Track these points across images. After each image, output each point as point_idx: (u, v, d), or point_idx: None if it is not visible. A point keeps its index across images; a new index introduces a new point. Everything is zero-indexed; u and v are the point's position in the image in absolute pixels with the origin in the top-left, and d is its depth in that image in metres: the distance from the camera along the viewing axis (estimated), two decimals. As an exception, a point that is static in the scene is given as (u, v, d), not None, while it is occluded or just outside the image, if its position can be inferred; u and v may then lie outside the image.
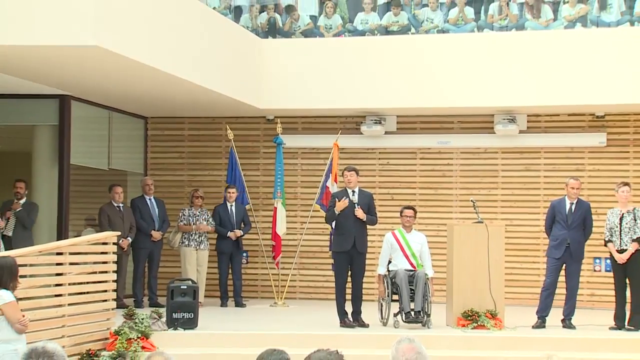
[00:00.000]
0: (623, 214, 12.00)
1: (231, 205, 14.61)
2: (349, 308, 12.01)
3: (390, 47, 15.29)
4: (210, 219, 14.66)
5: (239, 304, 14.55)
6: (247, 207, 15.03)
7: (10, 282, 8.72)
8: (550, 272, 12.28)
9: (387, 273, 12.19)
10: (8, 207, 12.63)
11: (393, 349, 4.51)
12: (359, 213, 11.81)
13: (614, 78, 14.27)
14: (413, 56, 15.06)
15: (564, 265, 12.19)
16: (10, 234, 12.52)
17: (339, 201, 11.95)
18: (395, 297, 12.05)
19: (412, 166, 16.16)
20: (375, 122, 15.74)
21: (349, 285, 12.14)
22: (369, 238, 12.65)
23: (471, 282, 11.87)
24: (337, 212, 11.86)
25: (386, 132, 15.99)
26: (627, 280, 12.02)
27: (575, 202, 12.20)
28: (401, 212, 12.46)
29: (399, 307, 11.94)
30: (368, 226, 12.19)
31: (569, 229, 12.09)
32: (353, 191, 12.04)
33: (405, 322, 11.81)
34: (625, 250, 11.88)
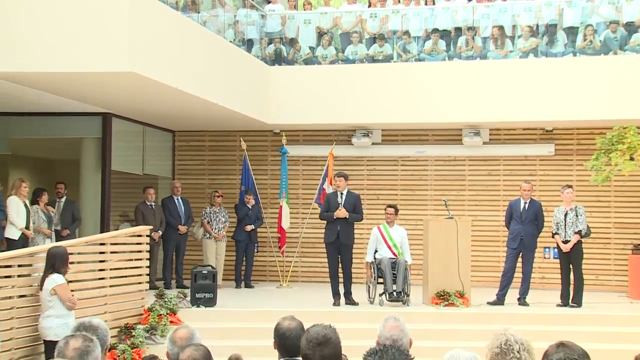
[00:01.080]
0: (567, 211, 12.18)
1: (248, 204, 14.71)
2: (342, 290, 12.06)
3: (376, 72, 15.29)
4: (227, 216, 14.81)
5: (248, 285, 14.63)
6: (259, 205, 15.06)
7: (62, 267, 8.84)
8: (508, 260, 12.42)
9: (373, 260, 12.24)
10: (60, 213, 12.69)
11: (381, 325, 4.61)
12: (340, 213, 11.89)
13: (561, 99, 14.33)
14: (395, 80, 15.06)
15: (520, 253, 12.31)
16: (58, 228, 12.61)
17: (332, 202, 12.11)
18: (380, 280, 12.13)
19: (394, 171, 16.18)
20: (364, 135, 15.74)
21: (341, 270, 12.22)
22: (358, 231, 12.74)
23: (443, 268, 11.95)
24: (334, 218, 11.97)
25: (373, 143, 15.96)
26: (571, 266, 12.18)
27: (528, 201, 12.32)
28: (385, 209, 12.53)
29: (384, 289, 12.02)
30: (356, 222, 12.24)
31: (523, 224, 12.21)
32: (342, 193, 12.10)
33: (388, 301, 11.92)
34: (569, 241, 12.07)
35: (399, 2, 16.70)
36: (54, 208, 12.66)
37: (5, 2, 10.19)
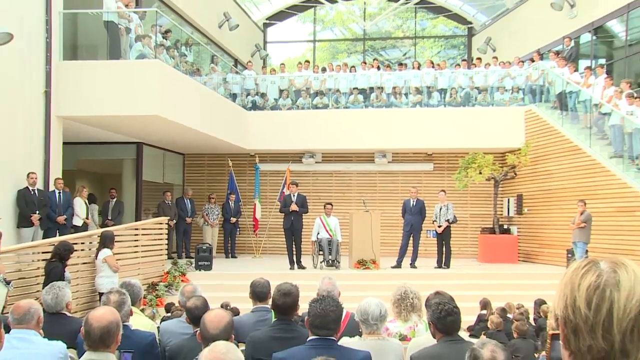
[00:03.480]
0: (441, 206, 12.44)
1: (232, 202, 14.78)
2: (295, 259, 12.18)
3: (317, 116, 15.47)
4: (219, 210, 14.83)
5: (233, 256, 14.63)
6: (240, 203, 15.15)
7: (110, 244, 8.91)
8: (404, 238, 12.56)
9: (316, 239, 12.33)
10: (107, 210, 12.64)
11: (319, 282, 4.84)
12: (293, 207, 12.04)
13: (436, 134, 14.72)
14: (330, 121, 15.28)
15: (411, 234, 12.47)
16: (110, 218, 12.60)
17: (287, 201, 12.19)
18: (321, 252, 12.25)
19: (330, 181, 16.35)
20: (310, 156, 15.88)
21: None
22: (306, 221, 12.77)
23: (362, 244, 12.09)
24: (290, 210, 12.08)
25: (316, 162, 16.11)
26: (443, 242, 12.45)
27: (415, 200, 12.51)
28: (324, 206, 12.59)
29: (323, 258, 12.16)
30: (304, 214, 12.32)
31: (413, 215, 12.40)
32: (294, 195, 12.25)
33: (326, 266, 12.05)
34: (441, 226, 12.35)
35: (332, 70, 17.06)
36: (108, 206, 12.60)
37: (74, 71, 10.29)
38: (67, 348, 3.72)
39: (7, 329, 3.49)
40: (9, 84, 9.26)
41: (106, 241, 8.99)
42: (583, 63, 15.19)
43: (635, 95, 12.07)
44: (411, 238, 12.53)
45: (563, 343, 1.26)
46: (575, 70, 14.03)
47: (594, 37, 15.32)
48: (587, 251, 11.36)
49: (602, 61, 15.00)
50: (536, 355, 6.15)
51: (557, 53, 14.95)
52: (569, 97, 13.76)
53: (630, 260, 1.25)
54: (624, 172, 11.48)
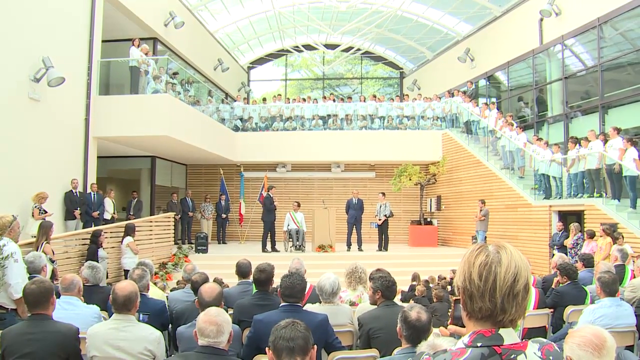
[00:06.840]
0: (381, 204, 12.49)
1: (223, 201, 14.55)
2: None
3: (288, 136, 15.42)
4: (212, 207, 14.61)
5: (223, 242, 14.33)
6: (229, 202, 14.92)
7: (132, 233, 8.87)
8: (349, 228, 12.55)
9: (287, 230, 12.30)
10: (129, 207, 12.34)
11: (291, 262, 4.85)
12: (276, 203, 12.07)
13: (377, 150, 14.87)
14: (298, 140, 15.25)
15: (354, 225, 12.43)
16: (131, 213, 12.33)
17: (271, 201, 12.03)
18: (290, 239, 12.21)
19: (297, 185, 16.33)
20: (282, 167, 15.90)
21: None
22: (280, 215, 12.84)
23: (321, 232, 12.10)
24: (275, 207, 12.06)
25: (287, 171, 16.11)
26: (382, 231, 12.50)
27: (356, 199, 12.52)
28: (293, 204, 12.59)
29: (292, 243, 12.15)
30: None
31: (355, 210, 12.39)
32: (271, 195, 12.21)
33: (295, 250, 12.03)
34: (381, 219, 12.42)
35: (299, 101, 17.03)
36: (131, 204, 12.33)
37: (106, 103, 10.24)
38: (100, 310, 3.78)
39: (58, 295, 3.58)
40: (59, 113, 9.30)
41: (129, 230, 8.94)
42: (481, 100, 15.67)
43: (515, 124, 12.56)
44: (354, 228, 12.47)
45: (462, 305, 1.30)
46: (476, 105, 14.48)
47: (488, 82, 15.88)
48: (485, 237, 11.67)
49: (494, 99, 15.52)
50: (449, 314, 6.29)
51: (464, 92, 15.42)
52: (472, 124, 14.19)
53: (509, 244, 1.31)
54: (510, 180, 11.89)
